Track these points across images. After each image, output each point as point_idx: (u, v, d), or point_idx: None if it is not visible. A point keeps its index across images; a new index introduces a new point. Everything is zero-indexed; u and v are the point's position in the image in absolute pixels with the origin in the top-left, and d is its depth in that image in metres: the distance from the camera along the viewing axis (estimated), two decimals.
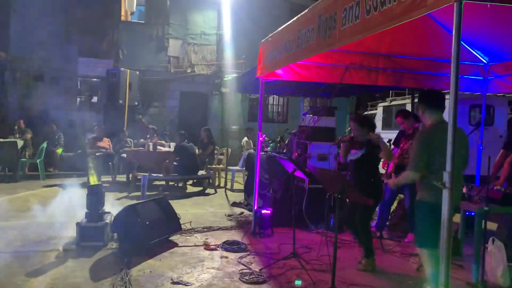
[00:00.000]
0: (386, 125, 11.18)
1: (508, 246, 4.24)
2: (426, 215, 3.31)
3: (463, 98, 7.68)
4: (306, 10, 4.21)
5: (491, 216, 4.24)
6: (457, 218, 5.27)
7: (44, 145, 10.36)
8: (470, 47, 5.21)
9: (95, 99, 15.12)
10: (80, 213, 5.15)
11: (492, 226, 4.97)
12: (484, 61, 5.45)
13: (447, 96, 5.88)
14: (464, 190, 4.26)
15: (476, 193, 4.18)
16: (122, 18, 15.00)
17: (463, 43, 4.97)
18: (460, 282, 4.07)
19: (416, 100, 4.12)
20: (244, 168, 9.48)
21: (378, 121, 11.66)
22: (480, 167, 5.77)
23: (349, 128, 5.04)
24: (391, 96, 11.66)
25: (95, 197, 5.05)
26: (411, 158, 3.40)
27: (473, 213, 4.25)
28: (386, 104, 11.55)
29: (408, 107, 9.23)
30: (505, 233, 4.63)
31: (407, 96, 10.64)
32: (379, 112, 11.88)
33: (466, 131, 5.53)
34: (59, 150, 11.06)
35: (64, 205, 6.32)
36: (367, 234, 4.59)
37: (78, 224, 4.93)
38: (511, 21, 4.10)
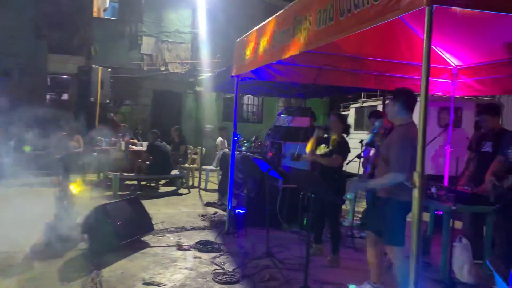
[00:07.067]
0: (358, 126, 11.36)
1: (474, 244, 4.38)
2: (400, 213, 3.35)
3: (433, 100, 7.87)
4: (281, 11, 4.23)
5: (458, 215, 4.38)
6: (426, 217, 5.41)
7: (11, 143, 10.04)
8: (439, 51, 5.35)
9: (65, 96, 14.77)
10: (49, 213, 5.01)
11: (459, 224, 5.13)
12: (453, 64, 5.60)
13: (417, 98, 6.00)
14: (433, 190, 4.37)
15: (444, 193, 4.29)
16: (95, 14, 14.70)
17: (432, 47, 5.09)
18: (428, 279, 4.19)
19: (388, 102, 4.16)
20: (219, 167, 9.46)
21: (351, 122, 11.82)
22: (449, 167, 5.93)
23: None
24: (363, 98, 11.86)
25: (64, 197, 4.93)
26: (397, 159, 3.30)
27: (441, 212, 4.36)
28: (358, 105, 11.74)
29: (380, 108, 9.39)
30: (472, 232, 4.77)
31: (378, 98, 10.84)
32: (351, 113, 12.07)
33: (435, 132, 5.70)
34: (27, 149, 10.75)
35: (32, 205, 6.13)
36: (336, 231, 4.80)
37: (46, 224, 4.80)
38: (479, 26, 4.23)
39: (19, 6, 13.34)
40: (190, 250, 4.98)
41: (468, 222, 4.91)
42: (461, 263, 4.23)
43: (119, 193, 8.06)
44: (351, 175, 6.20)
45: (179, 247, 5.04)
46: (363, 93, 11.56)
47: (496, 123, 4.70)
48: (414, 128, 3.38)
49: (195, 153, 10.84)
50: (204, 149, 10.85)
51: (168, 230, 5.78)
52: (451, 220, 4.17)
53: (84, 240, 4.94)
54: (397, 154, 3.32)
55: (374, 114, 5.75)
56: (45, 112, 13.46)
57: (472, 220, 4.82)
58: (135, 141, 10.27)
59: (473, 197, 4.19)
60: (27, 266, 4.22)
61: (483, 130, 4.93)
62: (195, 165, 10.55)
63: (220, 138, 11.14)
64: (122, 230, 4.83)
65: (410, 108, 3.50)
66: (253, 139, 7.92)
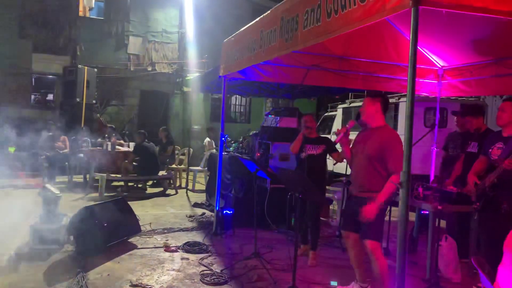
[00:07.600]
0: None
1: (460, 243, 4.44)
2: (380, 211, 3.47)
3: (419, 100, 7.94)
4: (268, 11, 4.24)
5: (444, 214, 4.43)
6: (412, 216, 5.46)
7: None
8: (425, 52, 5.40)
9: (50, 96, 14.59)
10: (34, 215, 4.94)
11: (445, 224, 5.19)
12: (439, 65, 5.67)
13: (403, 99, 6.05)
14: (420, 189, 4.40)
15: (431, 193, 4.33)
16: (80, 13, 14.54)
17: (419, 48, 5.14)
18: (414, 278, 4.23)
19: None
20: (206, 168, 9.43)
21: (338, 122, 11.89)
22: (434, 167, 6.00)
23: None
24: (351, 98, 11.93)
25: (50, 198, 4.86)
26: (399, 160, 3.20)
27: (427, 212, 4.41)
28: (345, 105, 11.79)
29: None
30: (457, 231, 4.83)
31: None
32: (338, 113, 12.12)
33: (422, 133, 5.76)
34: (12, 149, 10.57)
35: (16, 207, 6.03)
36: (316, 226, 4.90)
37: (32, 226, 4.73)
38: (463, 28, 4.29)
39: (3, 5, 13.13)
40: (178, 251, 4.95)
41: (454, 221, 4.97)
42: (447, 262, 4.28)
43: (106, 194, 7.98)
44: (339, 174, 6.23)
45: (167, 248, 5.01)
46: (350, 93, 11.63)
47: (480, 124, 4.76)
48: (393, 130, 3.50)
49: (183, 154, 10.79)
50: (191, 149, 10.80)
51: (156, 231, 5.74)
52: (437, 219, 4.21)
53: (70, 242, 4.88)
54: (399, 155, 3.17)
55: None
56: (30, 113, 13.34)
57: (457, 219, 4.88)
58: (122, 142, 10.19)
59: (458, 197, 4.23)
60: (12, 268, 4.15)
61: (458, 131, 5.03)
62: (182, 166, 10.50)
63: (207, 139, 11.12)
64: (109, 232, 4.78)
65: (386, 111, 3.65)
66: (241, 139, 7.91)
